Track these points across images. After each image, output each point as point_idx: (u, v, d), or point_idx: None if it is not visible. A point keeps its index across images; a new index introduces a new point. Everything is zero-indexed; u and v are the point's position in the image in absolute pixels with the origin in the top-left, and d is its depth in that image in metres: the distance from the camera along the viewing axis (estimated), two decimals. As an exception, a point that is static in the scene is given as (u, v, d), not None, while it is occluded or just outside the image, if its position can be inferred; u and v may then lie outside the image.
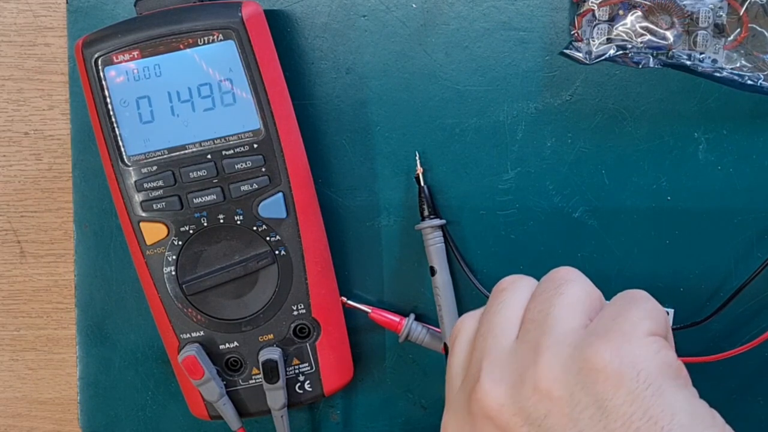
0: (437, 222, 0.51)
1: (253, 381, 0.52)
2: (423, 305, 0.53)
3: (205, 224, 0.49)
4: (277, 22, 0.52)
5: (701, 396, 0.34)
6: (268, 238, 0.49)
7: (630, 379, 0.30)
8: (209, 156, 0.48)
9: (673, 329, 0.51)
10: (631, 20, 0.48)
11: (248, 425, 0.54)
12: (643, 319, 0.33)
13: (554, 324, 0.33)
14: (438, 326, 0.52)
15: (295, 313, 0.51)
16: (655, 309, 0.34)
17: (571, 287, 0.34)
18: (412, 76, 0.52)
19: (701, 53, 0.48)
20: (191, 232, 0.49)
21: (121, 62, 0.47)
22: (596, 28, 0.48)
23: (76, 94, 0.53)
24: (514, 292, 0.36)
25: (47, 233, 0.58)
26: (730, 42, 0.48)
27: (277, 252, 0.50)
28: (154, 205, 0.49)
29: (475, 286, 0.52)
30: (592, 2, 0.48)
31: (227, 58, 0.47)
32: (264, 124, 0.48)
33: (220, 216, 0.49)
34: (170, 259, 0.50)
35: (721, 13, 0.47)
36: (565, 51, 0.49)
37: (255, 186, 0.49)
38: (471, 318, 0.38)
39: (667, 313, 0.51)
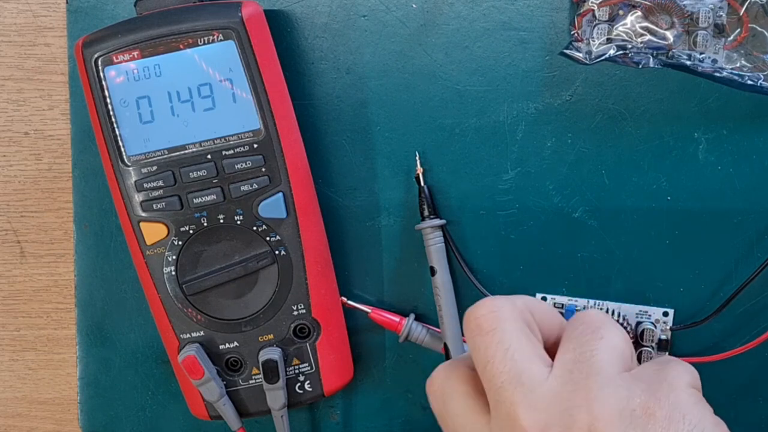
0: (437, 222, 0.52)
1: (253, 381, 0.52)
2: (423, 305, 0.53)
3: (205, 224, 0.49)
4: (277, 22, 0.52)
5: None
6: (268, 238, 0.49)
7: (677, 422, 0.32)
8: (209, 156, 0.48)
9: (672, 329, 0.51)
10: (631, 20, 0.48)
11: (248, 425, 0.54)
12: (684, 373, 0.35)
13: (601, 367, 0.34)
14: (438, 326, 0.52)
15: (295, 313, 0.51)
16: (691, 368, 0.36)
17: (609, 333, 0.35)
18: (412, 76, 0.52)
19: (701, 53, 0.48)
20: (191, 232, 0.49)
21: (121, 62, 0.47)
22: (596, 28, 0.48)
23: (76, 94, 0.53)
24: (509, 330, 0.35)
25: (47, 233, 0.58)
26: (730, 42, 0.48)
27: (277, 252, 0.50)
28: (154, 205, 0.49)
29: (475, 286, 0.52)
30: (592, 2, 0.48)
31: (227, 58, 0.47)
32: (264, 124, 0.48)
33: (220, 216, 0.49)
34: (170, 259, 0.50)
35: (721, 13, 0.47)
36: (565, 51, 0.49)
37: (255, 186, 0.49)
38: (452, 369, 0.37)
39: (667, 314, 0.52)
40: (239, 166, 0.48)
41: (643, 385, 0.33)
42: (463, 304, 0.52)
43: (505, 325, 0.35)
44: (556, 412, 0.33)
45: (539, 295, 0.52)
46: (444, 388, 0.37)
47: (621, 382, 0.33)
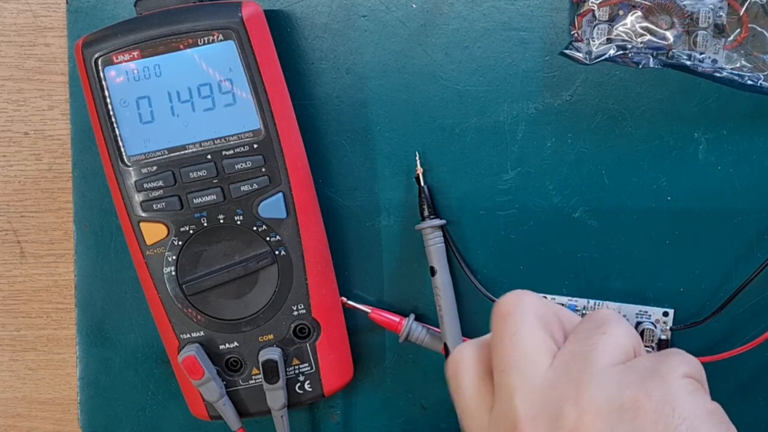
0: (437, 222, 0.51)
1: (253, 381, 0.52)
2: (423, 305, 0.53)
3: (205, 224, 0.49)
4: (277, 22, 0.52)
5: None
6: (268, 238, 0.49)
7: (667, 415, 0.32)
8: (209, 156, 0.48)
9: (672, 329, 0.51)
10: (631, 20, 0.48)
11: (248, 425, 0.54)
12: (679, 363, 0.35)
13: (597, 360, 0.34)
14: (438, 326, 0.52)
15: (295, 313, 0.51)
16: (691, 359, 0.36)
17: (614, 328, 0.35)
18: (412, 76, 0.52)
19: (701, 53, 0.48)
20: (191, 232, 0.49)
21: (121, 62, 0.47)
22: (596, 28, 0.48)
23: (76, 94, 0.53)
24: (523, 318, 0.36)
25: (47, 233, 0.58)
26: (730, 42, 0.48)
27: (277, 252, 0.50)
28: (154, 205, 0.49)
29: (475, 286, 0.52)
30: (592, 2, 0.48)
31: (227, 58, 0.47)
32: (264, 124, 0.48)
33: (220, 216, 0.49)
34: (170, 259, 0.50)
35: (721, 13, 0.47)
36: (565, 51, 0.49)
37: (255, 186, 0.49)
38: (471, 348, 0.37)
39: (667, 314, 0.52)
40: (239, 166, 0.48)
41: (635, 377, 0.33)
42: (463, 304, 0.53)
43: (521, 313, 0.36)
44: (547, 403, 0.33)
45: (540, 295, 0.52)
46: (459, 365, 0.37)
47: (613, 375, 0.33)
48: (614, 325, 0.35)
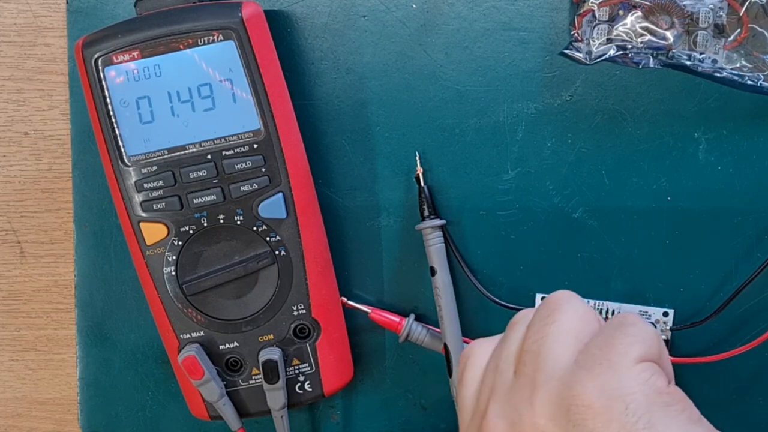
0: (437, 222, 0.51)
1: (253, 381, 0.52)
2: (423, 305, 0.53)
3: (205, 224, 0.49)
4: (277, 22, 0.52)
5: (702, 397, 0.34)
6: (268, 239, 0.49)
7: (619, 413, 0.30)
8: (209, 156, 0.48)
9: (672, 329, 0.51)
10: (631, 20, 0.48)
11: (248, 425, 0.54)
12: (631, 345, 0.32)
13: (546, 356, 0.33)
14: (438, 326, 0.52)
15: (295, 313, 0.51)
16: (644, 332, 0.33)
17: (563, 314, 0.34)
18: (412, 76, 0.52)
19: (701, 53, 0.48)
20: (191, 232, 0.49)
21: (121, 62, 0.47)
22: (596, 29, 0.48)
23: (76, 94, 0.53)
24: (514, 325, 0.37)
25: (47, 233, 0.58)
26: (730, 42, 0.48)
27: (277, 252, 0.50)
28: (154, 206, 0.49)
29: (475, 286, 0.52)
30: (592, 2, 0.48)
31: (227, 58, 0.47)
32: (264, 124, 0.48)
33: (220, 216, 0.49)
34: (170, 259, 0.50)
35: (721, 14, 0.47)
36: (565, 51, 0.49)
37: (255, 186, 0.49)
38: (482, 345, 0.38)
39: (667, 314, 0.52)
40: (239, 166, 0.48)
41: (584, 373, 0.31)
42: (463, 304, 0.53)
43: (526, 320, 0.36)
44: (509, 406, 0.33)
45: (539, 296, 0.52)
46: (469, 359, 0.38)
47: (560, 374, 0.32)
48: (562, 311, 0.34)
